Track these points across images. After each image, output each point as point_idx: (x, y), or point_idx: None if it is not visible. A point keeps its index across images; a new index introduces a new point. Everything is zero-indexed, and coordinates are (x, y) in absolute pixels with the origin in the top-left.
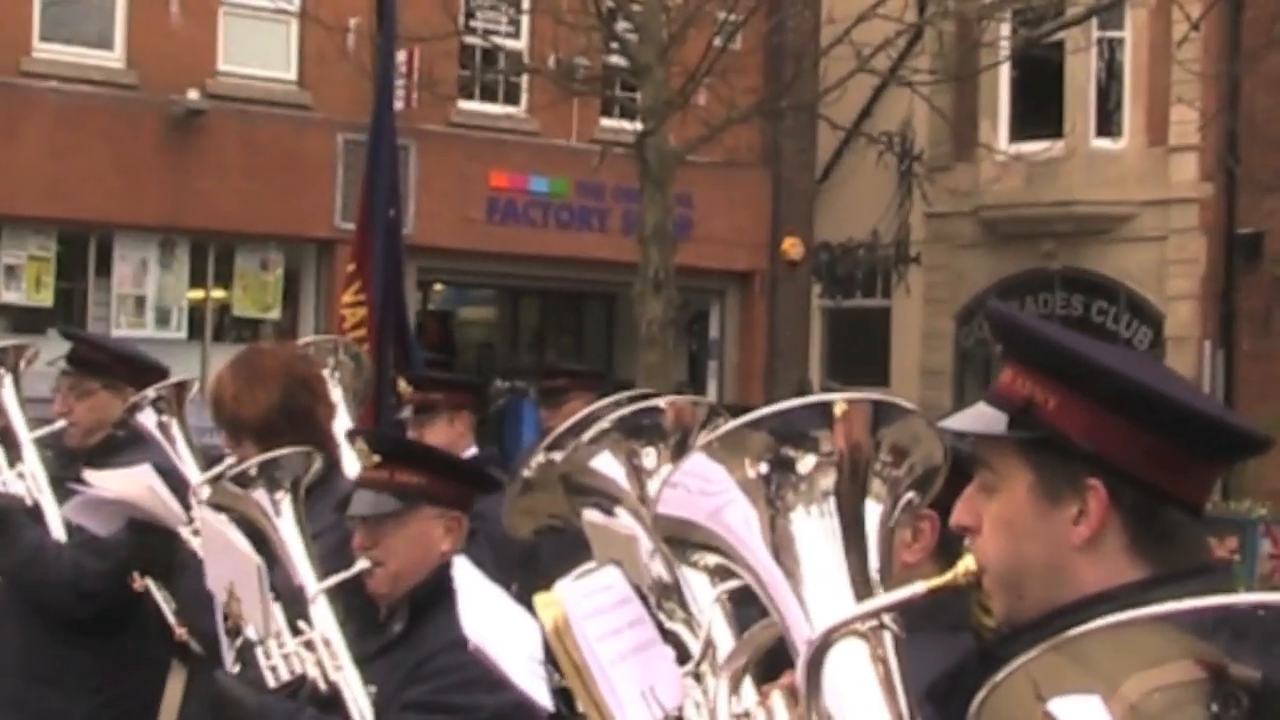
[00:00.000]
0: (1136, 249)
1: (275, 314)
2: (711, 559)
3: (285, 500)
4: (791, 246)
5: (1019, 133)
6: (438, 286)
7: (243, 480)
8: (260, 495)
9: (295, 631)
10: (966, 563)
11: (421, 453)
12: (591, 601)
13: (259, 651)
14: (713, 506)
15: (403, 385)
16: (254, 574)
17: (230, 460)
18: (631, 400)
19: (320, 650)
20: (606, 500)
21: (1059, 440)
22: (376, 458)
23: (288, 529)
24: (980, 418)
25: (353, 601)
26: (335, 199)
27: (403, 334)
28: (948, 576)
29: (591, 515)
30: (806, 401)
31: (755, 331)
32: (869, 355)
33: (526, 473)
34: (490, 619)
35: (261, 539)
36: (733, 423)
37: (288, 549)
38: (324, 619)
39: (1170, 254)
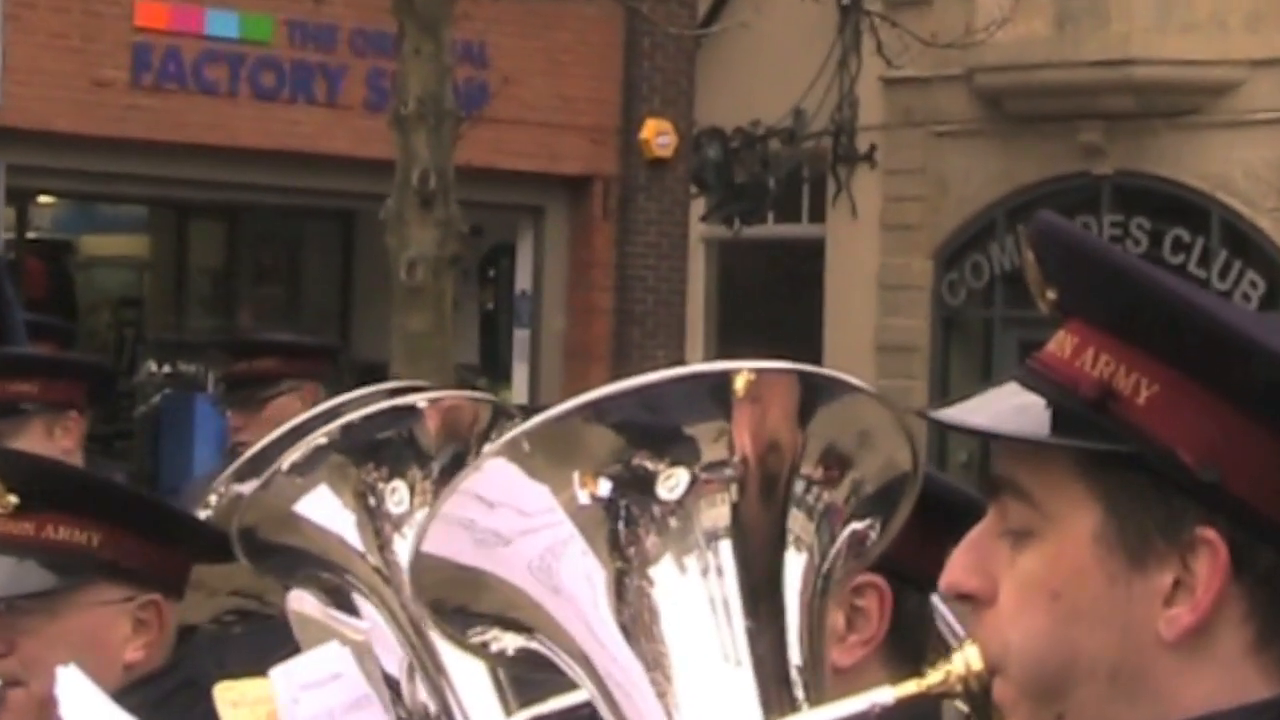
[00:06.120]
0: (1240, 140)
1: None
2: (511, 640)
3: None
4: (657, 135)
5: None
6: (43, 199)
7: None
8: None
9: None
10: (968, 656)
11: (94, 490)
12: (316, 699)
13: None
14: (525, 551)
15: None
16: None
17: None
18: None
19: None
20: (321, 571)
21: (1156, 458)
22: (13, 498)
23: None
24: (1010, 409)
25: None
26: None
27: None
28: (934, 677)
29: (301, 601)
30: (688, 372)
31: (595, 280)
32: (789, 320)
33: (203, 518)
34: None
35: None
36: (560, 407)
37: None
38: None
39: None
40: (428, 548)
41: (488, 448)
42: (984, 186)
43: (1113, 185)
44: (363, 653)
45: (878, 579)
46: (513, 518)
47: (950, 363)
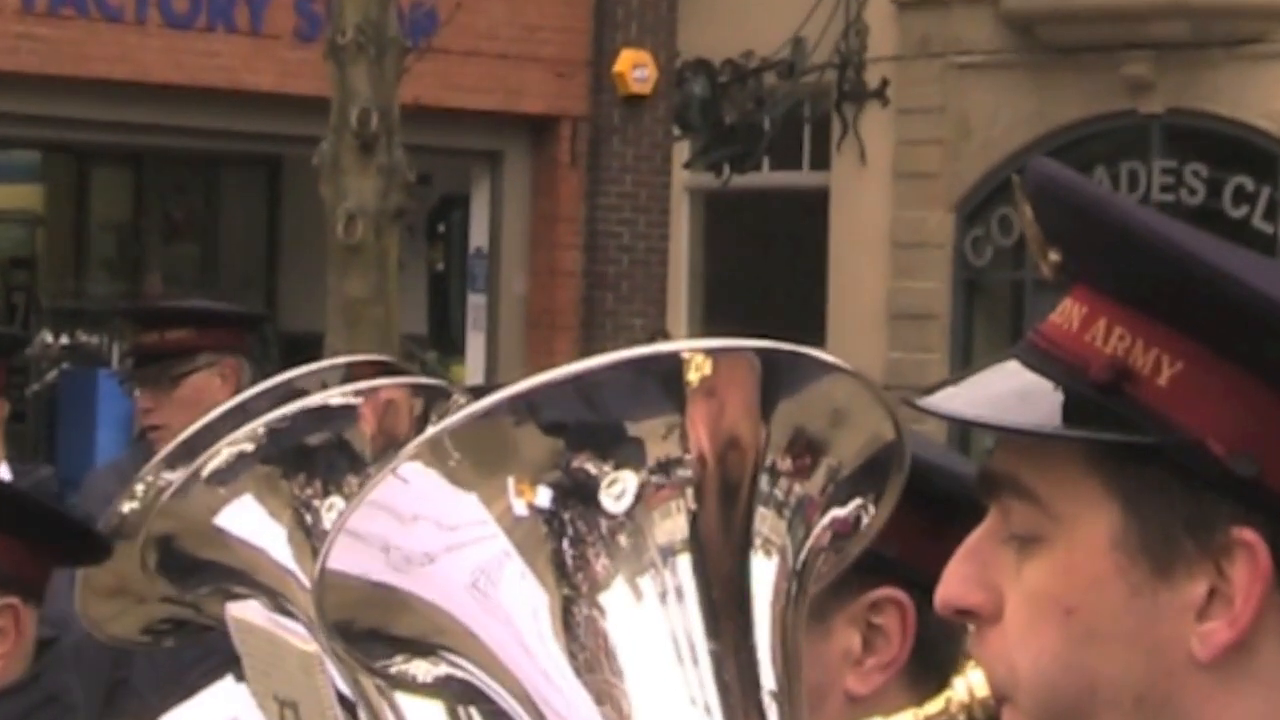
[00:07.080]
0: None
1: None
2: (431, 668)
3: None
4: (633, 68)
5: None
6: None
7: None
8: None
9: None
10: (971, 682)
11: None
12: None
13: None
14: (452, 570)
15: None
16: None
17: None
18: (356, 370)
19: None
20: (250, 593)
21: (1182, 450)
22: None
23: None
24: (1011, 394)
25: None
26: None
27: None
28: (933, 706)
29: (244, 608)
30: (630, 357)
31: (561, 237)
32: (786, 283)
33: (121, 514)
34: None
35: None
36: (483, 402)
37: None
38: None
39: None
40: (335, 564)
41: (403, 451)
42: (1013, 128)
43: (1164, 126)
44: (313, 665)
45: (898, 593)
46: (436, 532)
47: (974, 332)
